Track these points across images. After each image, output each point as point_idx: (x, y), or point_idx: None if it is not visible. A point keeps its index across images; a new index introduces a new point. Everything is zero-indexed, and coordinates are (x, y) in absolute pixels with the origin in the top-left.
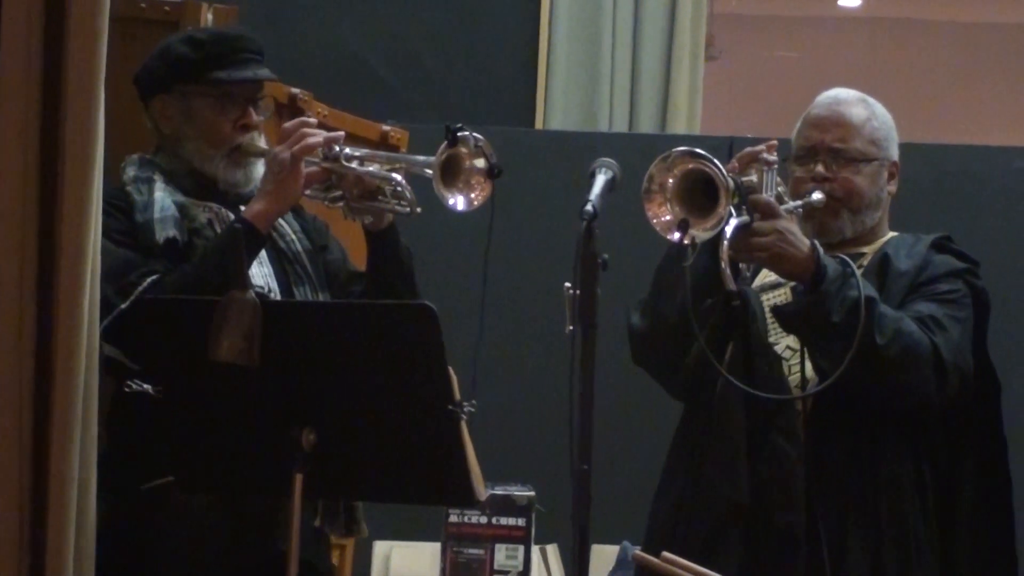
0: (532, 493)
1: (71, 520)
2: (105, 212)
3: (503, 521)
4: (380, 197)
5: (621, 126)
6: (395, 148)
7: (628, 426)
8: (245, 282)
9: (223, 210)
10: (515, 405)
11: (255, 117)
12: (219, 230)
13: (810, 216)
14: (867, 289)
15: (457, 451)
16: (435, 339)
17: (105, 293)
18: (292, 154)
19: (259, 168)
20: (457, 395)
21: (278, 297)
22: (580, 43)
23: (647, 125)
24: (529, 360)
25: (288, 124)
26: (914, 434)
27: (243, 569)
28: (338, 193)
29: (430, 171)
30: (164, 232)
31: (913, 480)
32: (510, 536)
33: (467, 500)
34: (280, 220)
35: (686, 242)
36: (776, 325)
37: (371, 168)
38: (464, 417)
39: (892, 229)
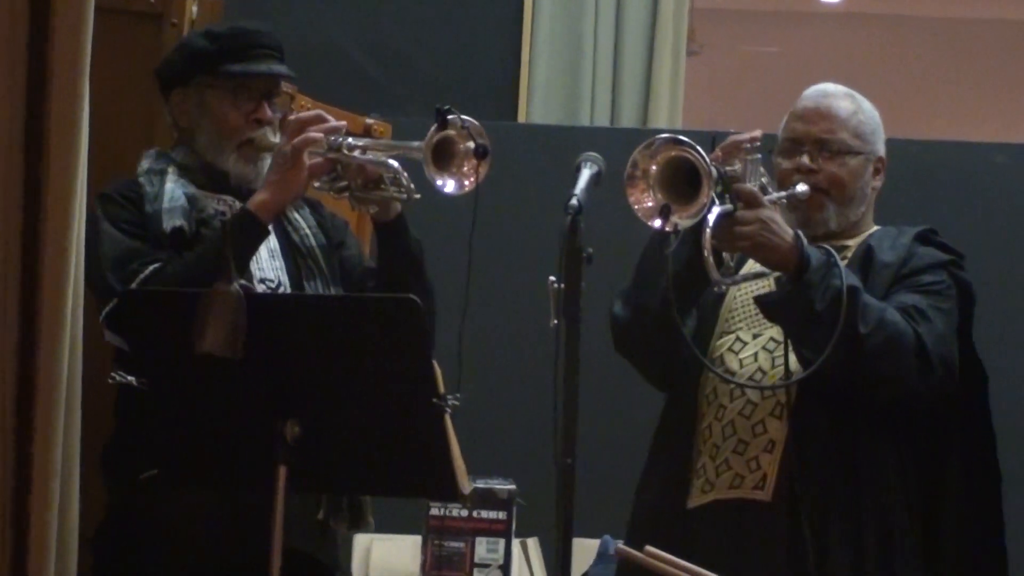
0: (514, 487)
1: (54, 512)
2: (115, 202)
3: (484, 514)
4: (381, 185)
5: (603, 120)
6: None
7: (611, 420)
8: (230, 274)
9: (236, 203)
10: (498, 399)
11: (269, 112)
12: None
13: (795, 208)
14: (850, 279)
15: (441, 445)
16: (420, 332)
17: (109, 281)
18: (293, 146)
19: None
20: (441, 388)
21: (287, 290)
22: (562, 37)
23: (629, 119)
24: (513, 354)
25: (292, 117)
26: (897, 426)
27: (242, 561)
28: (343, 184)
29: (421, 155)
30: (171, 222)
31: (896, 471)
32: (491, 529)
33: (451, 494)
34: (296, 215)
35: (668, 229)
36: (760, 316)
37: (370, 156)
38: (448, 411)
39: (876, 224)
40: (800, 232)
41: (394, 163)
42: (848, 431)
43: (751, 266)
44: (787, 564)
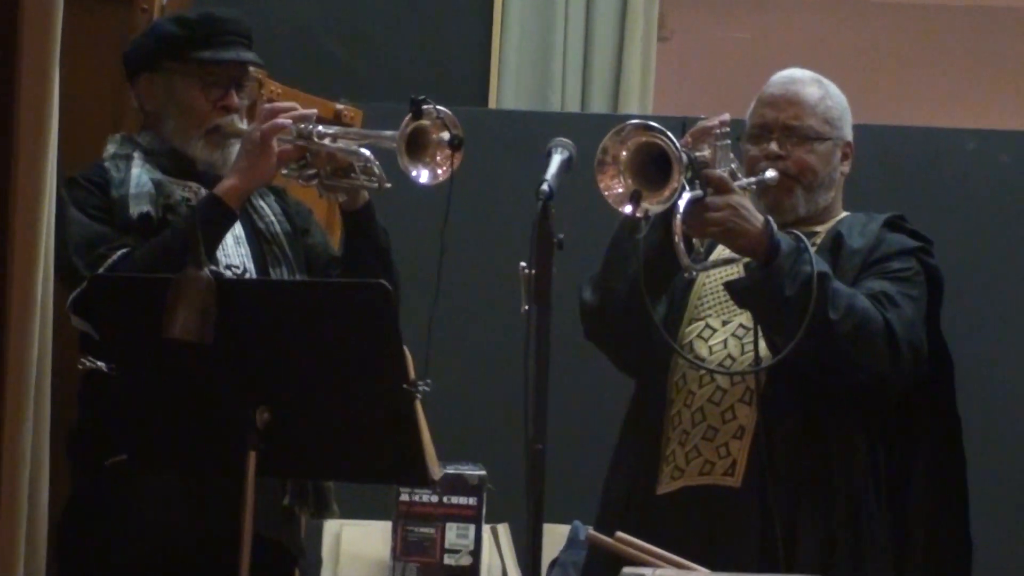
0: (484, 472)
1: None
2: (82, 187)
3: (454, 500)
4: (352, 174)
5: (573, 106)
6: (349, 127)
7: (581, 406)
8: (200, 259)
9: (202, 189)
10: (469, 385)
11: (236, 99)
12: None
13: (764, 194)
14: (820, 265)
15: (412, 430)
16: (390, 318)
17: (76, 265)
18: (262, 132)
19: (237, 149)
20: (412, 374)
21: (253, 277)
22: (533, 23)
23: (599, 105)
24: (484, 339)
25: (265, 105)
26: (867, 412)
27: (209, 546)
28: (313, 171)
29: (394, 144)
30: (138, 207)
31: (865, 457)
32: (461, 515)
33: (421, 480)
34: (261, 202)
35: (638, 215)
36: (729, 302)
37: (341, 144)
38: (419, 396)
39: (845, 210)
40: (770, 218)
41: (366, 152)
42: (817, 417)
43: (721, 252)
44: (757, 549)
